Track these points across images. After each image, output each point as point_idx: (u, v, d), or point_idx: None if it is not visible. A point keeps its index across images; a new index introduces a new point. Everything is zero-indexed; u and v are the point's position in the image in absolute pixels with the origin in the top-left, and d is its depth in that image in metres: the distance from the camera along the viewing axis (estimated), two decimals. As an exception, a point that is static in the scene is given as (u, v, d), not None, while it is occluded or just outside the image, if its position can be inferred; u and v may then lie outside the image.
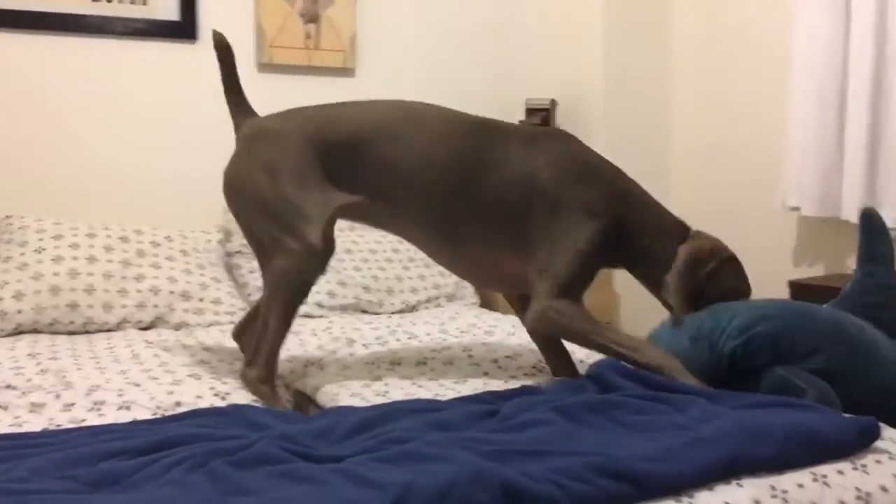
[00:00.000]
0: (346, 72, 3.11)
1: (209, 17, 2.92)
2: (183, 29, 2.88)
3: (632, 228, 1.78)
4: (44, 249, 2.40)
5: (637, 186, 1.83)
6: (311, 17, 3.01)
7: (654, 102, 3.29)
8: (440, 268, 2.63)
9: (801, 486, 1.18)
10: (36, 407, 1.58)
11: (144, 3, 2.83)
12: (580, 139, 1.88)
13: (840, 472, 1.22)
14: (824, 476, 1.21)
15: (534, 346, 1.95)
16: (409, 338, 2.21)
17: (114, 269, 2.41)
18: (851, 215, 2.52)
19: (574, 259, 1.71)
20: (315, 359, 2.03)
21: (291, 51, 3.01)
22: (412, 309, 2.76)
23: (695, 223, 1.85)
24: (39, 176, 2.72)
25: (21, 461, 1.15)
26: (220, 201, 2.85)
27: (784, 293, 2.53)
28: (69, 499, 1.02)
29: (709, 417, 1.30)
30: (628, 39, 3.30)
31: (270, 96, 3.03)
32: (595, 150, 1.87)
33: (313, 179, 1.74)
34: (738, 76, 3.05)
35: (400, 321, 2.48)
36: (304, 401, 1.84)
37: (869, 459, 1.27)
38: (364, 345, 2.14)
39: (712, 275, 1.75)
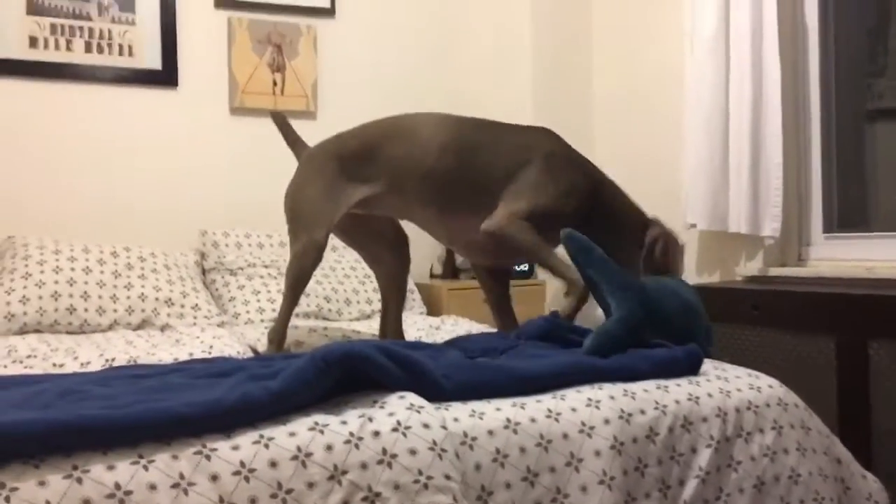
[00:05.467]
0: (308, 115, 3.53)
1: (188, 68, 3.35)
2: (165, 77, 3.31)
3: (601, 211, 2.14)
4: (45, 262, 2.76)
5: (610, 181, 2.21)
6: (278, 67, 3.46)
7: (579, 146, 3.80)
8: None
9: (646, 390, 1.59)
10: (56, 366, 1.95)
11: (131, 55, 3.26)
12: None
13: (678, 385, 1.64)
14: (665, 386, 1.63)
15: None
16: (357, 333, 2.62)
17: (106, 279, 2.78)
18: (737, 228, 3.00)
19: (540, 200, 2.05)
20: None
21: (260, 96, 3.45)
22: (367, 317, 3.16)
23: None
24: (39, 203, 3.11)
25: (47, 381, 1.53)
26: (197, 226, 3.27)
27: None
28: (102, 392, 1.39)
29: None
30: (555, 90, 3.80)
31: (240, 136, 3.47)
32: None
33: (332, 187, 2.18)
34: (645, 119, 3.56)
35: (355, 325, 2.88)
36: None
37: (701, 378, 1.70)
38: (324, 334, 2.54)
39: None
